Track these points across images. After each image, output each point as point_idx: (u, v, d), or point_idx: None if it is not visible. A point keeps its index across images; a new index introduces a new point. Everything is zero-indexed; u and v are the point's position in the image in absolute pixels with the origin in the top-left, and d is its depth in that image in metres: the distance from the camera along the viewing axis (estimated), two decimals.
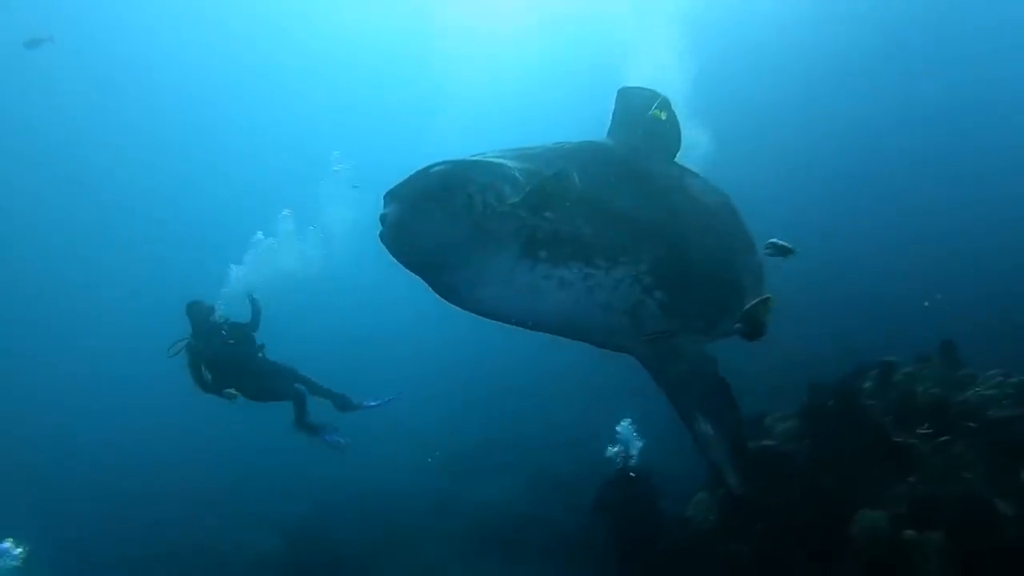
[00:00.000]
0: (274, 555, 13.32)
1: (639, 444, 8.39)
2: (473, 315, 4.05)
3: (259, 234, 9.59)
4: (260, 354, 8.41)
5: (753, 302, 3.96)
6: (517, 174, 3.82)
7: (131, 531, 13.98)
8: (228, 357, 8.08)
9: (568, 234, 3.77)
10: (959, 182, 21.25)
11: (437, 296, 3.99)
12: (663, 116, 4.61)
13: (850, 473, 6.29)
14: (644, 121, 4.55)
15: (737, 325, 3.93)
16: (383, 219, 3.88)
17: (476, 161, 3.95)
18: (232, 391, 8.09)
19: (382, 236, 3.89)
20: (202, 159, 34.23)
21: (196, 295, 8.48)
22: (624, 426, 8.48)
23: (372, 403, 8.52)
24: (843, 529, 5.80)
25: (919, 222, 19.57)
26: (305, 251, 10.21)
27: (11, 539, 8.26)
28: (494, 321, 4.07)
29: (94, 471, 17.16)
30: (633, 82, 4.90)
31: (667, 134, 4.66)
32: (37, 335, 28.09)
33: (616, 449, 8.35)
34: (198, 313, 8.16)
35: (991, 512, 5.18)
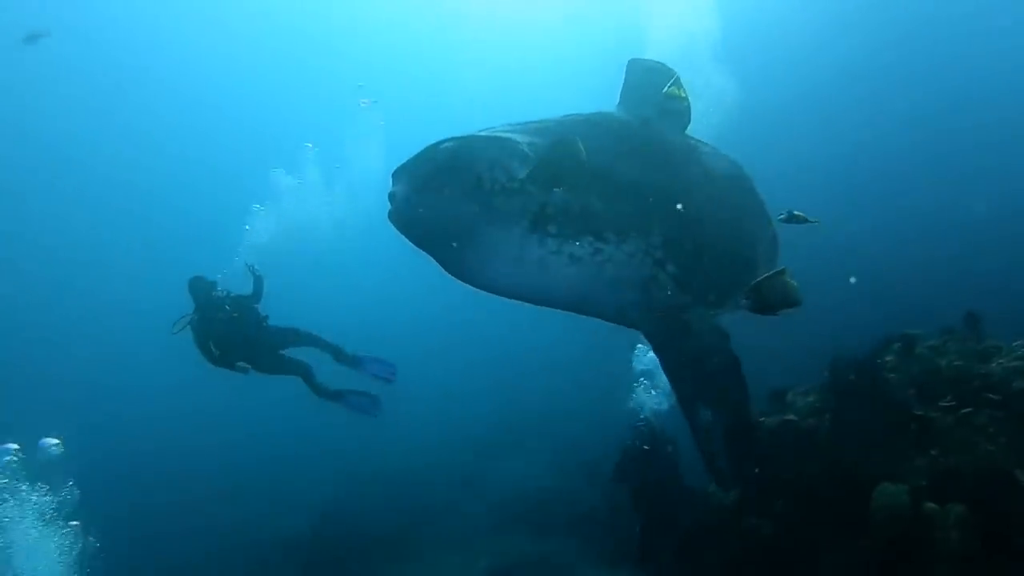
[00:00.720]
0: (304, 536, 13.56)
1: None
2: (489, 293, 4.05)
3: (279, 171, 9.51)
4: (264, 324, 8.42)
5: (762, 276, 3.88)
6: (526, 149, 3.78)
7: (163, 521, 14.26)
8: (233, 331, 8.11)
9: (578, 208, 3.73)
10: (987, 157, 20.73)
11: (448, 274, 4.00)
12: (678, 93, 4.56)
13: (872, 448, 6.23)
14: (654, 93, 4.49)
15: (744, 301, 3.86)
16: (391, 197, 3.88)
17: (484, 137, 3.92)
18: (244, 364, 8.14)
19: (390, 215, 3.89)
20: (200, 145, 34.09)
21: (205, 268, 8.57)
22: (640, 355, 8.43)
23: (370, 368, 8.44)
24: (865, 504, 5.75)
25: (945, 193, 19.16)
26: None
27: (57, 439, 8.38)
28: (507, 299, 4.07)
29: (122, 466, 17.49)
30: (650, 55, 4.86)
31: (678, 105, 4.60)
32: (51, 331, 28.51)
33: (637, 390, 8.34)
34: (200, 288, 8.18)
35: (1013, 483, 5.10)
